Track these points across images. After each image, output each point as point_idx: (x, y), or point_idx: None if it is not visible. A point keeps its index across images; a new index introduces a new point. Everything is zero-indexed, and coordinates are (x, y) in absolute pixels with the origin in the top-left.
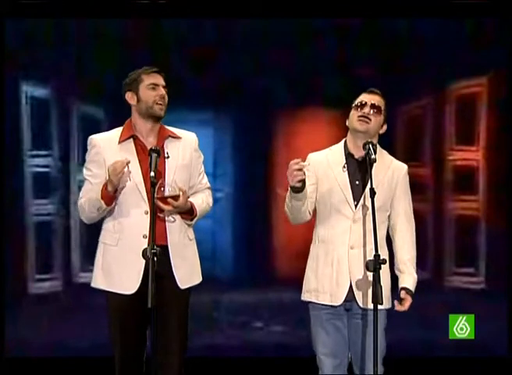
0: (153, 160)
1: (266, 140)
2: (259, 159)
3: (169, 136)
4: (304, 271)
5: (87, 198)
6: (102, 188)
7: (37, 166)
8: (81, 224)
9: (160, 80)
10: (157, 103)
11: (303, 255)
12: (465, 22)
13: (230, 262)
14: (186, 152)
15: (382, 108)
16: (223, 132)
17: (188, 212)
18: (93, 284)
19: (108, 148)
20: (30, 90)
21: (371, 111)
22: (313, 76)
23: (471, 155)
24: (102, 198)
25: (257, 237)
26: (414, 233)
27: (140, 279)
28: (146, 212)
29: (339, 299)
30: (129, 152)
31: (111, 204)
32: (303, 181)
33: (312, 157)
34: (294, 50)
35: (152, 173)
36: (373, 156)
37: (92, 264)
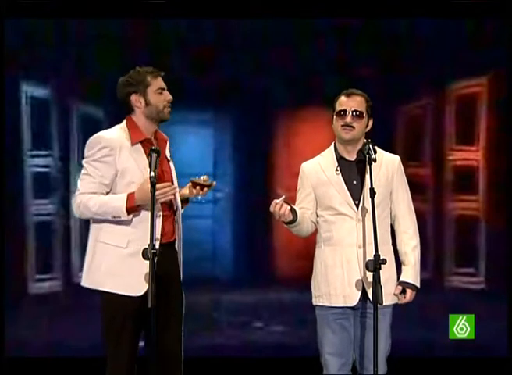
0: (153, 160)
1: (266, 140)
2: (259, 159)
3: (162, 139)
4: (304, 271)
5: (101, 202)
6: (129, 201)
7: (37, 166)
8: (81, 224)
9: (164, 84)
10: (166, 107)
11: (303, 255)
12: (465, 22)
13: (230, 262)
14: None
15: (364, 109)
16: (223, 132)
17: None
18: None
19: (119, 150)
20: (30, 90)
21: (353, 118)
22: (313, 76)
23: (471, 155)
24: (128, 211)
25: (257, 237)
26: (416, 221)
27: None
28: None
29: (353, 300)
30: (139, 155)
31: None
32: (292, 211)
33: (305, 166)
34: (294, 50)
35: (152, 173)
36: (373, 156)
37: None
